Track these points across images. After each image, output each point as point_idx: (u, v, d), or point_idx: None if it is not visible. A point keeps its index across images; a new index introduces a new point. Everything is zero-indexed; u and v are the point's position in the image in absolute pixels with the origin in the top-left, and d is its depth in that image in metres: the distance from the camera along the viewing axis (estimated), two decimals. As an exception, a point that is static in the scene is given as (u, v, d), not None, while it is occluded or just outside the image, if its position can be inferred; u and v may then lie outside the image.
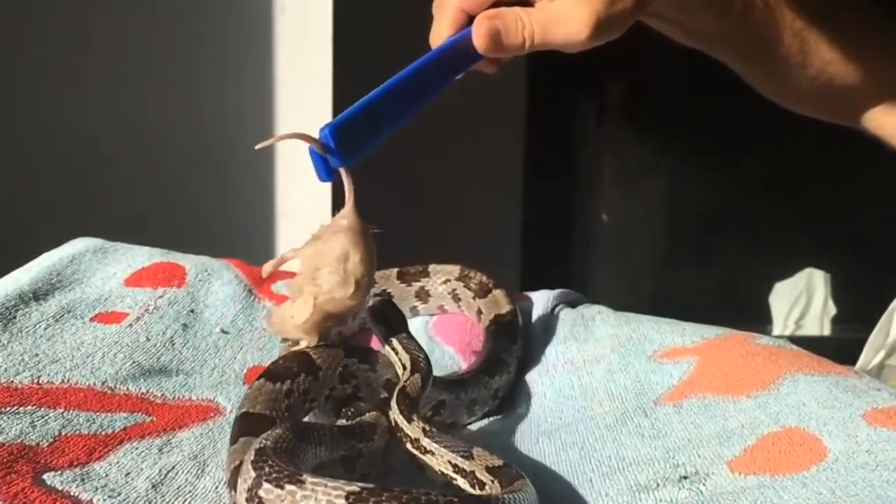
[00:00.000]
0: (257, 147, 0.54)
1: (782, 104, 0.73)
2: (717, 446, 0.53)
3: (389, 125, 0.55)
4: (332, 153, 0.52)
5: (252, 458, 0.43)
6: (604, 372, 0.68)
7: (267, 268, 0.57)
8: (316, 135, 0.53)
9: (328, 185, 1.42)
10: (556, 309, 0.78)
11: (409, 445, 0.53)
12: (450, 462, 0.52)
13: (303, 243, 0.56)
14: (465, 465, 0.51)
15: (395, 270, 0.81)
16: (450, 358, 0.76)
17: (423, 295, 0.81)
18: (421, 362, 0.58)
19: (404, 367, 0.59)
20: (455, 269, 0.81)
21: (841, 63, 0.68)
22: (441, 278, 0.81)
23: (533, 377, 0.71)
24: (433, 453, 0.52)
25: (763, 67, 0.70)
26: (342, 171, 0.53)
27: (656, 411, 0.59)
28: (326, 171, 0.53)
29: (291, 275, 0.85)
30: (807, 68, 0.68)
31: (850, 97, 0.71)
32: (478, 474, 0.50)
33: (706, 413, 0.57)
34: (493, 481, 0.50)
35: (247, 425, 0.54)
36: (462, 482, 0.51)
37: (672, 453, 0.53)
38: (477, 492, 0.50)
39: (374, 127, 0.54)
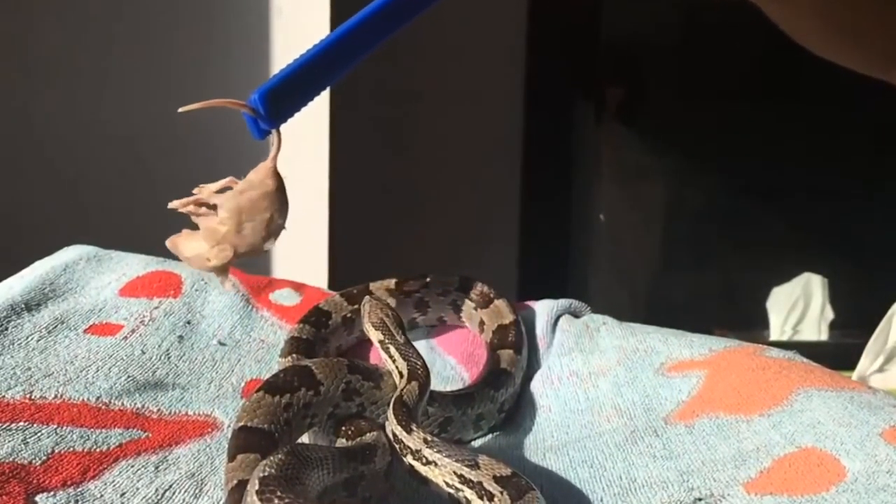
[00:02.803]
0: (180, 110, 0.55)
1: (810, 49, 0.71)
2: (732, 469, 0.51)
3: (321, 85, 0.57)
4: (261, 117, 0.55)
5: (257, 487, 0.42)
6: (610, 385, 0.66)
7: (175, 203, 0.58)
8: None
9: (325, 191, 1.41)
10: (560, 319, 0.77)
11: (409, 458, 0.52)
12: (455, 472, 0.50)
13: (220, 190, 0.59)
14: (472, 475, 0.49)
15: (392, 281, 0.79)
16: (451, 368, 0.74)
17: (422, 306, 0.79)
18: (419, 370, 0.57)
19: (401, 375, 0.57)
20: (455, 279, 0.79)
21: (871, 12, 0.65)
22: (440, 289, 0.79)
23: (537, 390, 0.69)
24: (436, 464, 0.50)
25: (790, 8, 0.68)
26: (272, 131, 0.56)
27: (667, 431, 0.58)
28: (259, 130, 0.56)
29: (290, 283, 0.83)
30: (834, 14, 0.66)
31: (880, 48, 0.68)
32: (486, 485, 0.49)
33: (719, 434, 0.55)
34: (502, 492, 0.48)
35: (244, 440, 0.52)
36: (469, 493, 0.49)
37: (686, 476, 0.52)
38: None
39: (304, 88, 0.56)
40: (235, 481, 0.49)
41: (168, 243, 0.58)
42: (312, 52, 0.55)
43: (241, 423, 0.53)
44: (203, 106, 0.55)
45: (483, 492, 0.49)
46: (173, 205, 0.58)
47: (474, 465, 0.50)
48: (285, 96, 0.55)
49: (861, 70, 0.71)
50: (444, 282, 0.79)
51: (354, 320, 0.75)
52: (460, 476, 0.50)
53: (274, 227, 0.56)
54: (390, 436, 0.53)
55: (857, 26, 0.66)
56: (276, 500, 0.40)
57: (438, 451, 0.50)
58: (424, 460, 0.51)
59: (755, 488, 0.49)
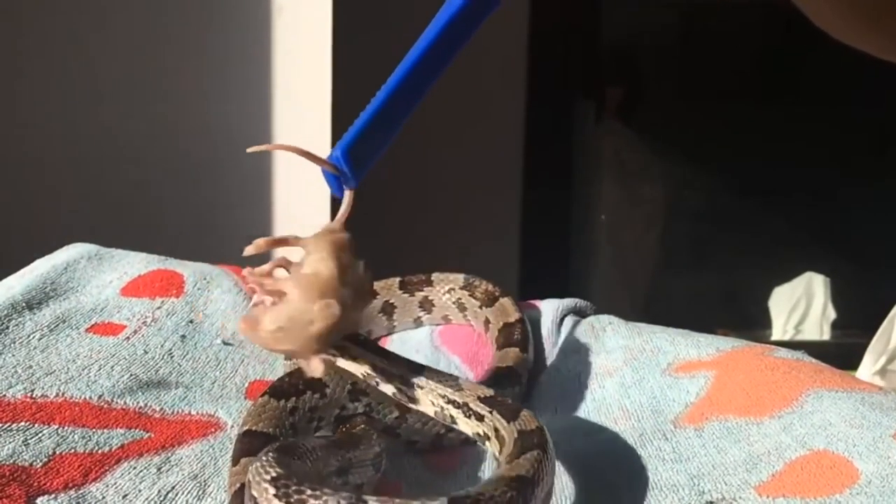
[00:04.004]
0: (249, 150, 0.52)
1: (829, 32, 0.69)
2: (743, 472, 0.51)
3: (397, 127, 0.53)
4: (345, 175, 0.50)
5: (273, 492, 0.41)
6: (617, 386, 0.66)
7: (253, 248, 0.48)
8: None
9: (327, 191, 1.40)
10: (565, 319, 0.76)
11: (396, 382, 0.51)
12: (440, 394, 0.50)
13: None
14: (457, 396, 0.50)
15: (397, 280, 0.78)
16: (456, 368, 0.74)
17: (426, 305, 0.78)
18: None
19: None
20: (459, 278, 0.78)
21: None
22: (445, 287, 0.78)
23: (543, 390, 0.69)
24: (421, 387, 0.51)
25: None
26: (348, 195, 0.51)
27: (676, 434, 0.57)
28: (340, 187, 0.51)
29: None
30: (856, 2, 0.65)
31: None
32: (472, 405, 0.50)
33: (729, 437, 0.55)
34: (491, 412, 0.49)
35: (249, 444, 0.52)
36: (456, 413, 0.50)
37: (696, 480, 0.51)
38: (473, 424, 0.49)
39: (381, 135, 0.52)
40: (238, 485, 0.49)
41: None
42: (382, 97, 0.51)
43: (246, 428, 0.53)
44: (277, 148, 0.51)
45: (470, 412, 0.50)
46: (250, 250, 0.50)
47: (458, 388, 0.50)
48: (364, 148, 0.50)
49: (881, 55, 0.70)
50: (449, 280, 0.78)
51: None
52: (445, 397, 0.50)
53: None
54: (370, 368, 0.51)
55: (880, 9, 0.65)
56: (308, 499, 0.40)
57: (420, 375, 0.51)
58: (409, 383, 0.51)
59: (767, 491, 0.48)
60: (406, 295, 0.78)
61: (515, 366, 0.67)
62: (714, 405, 0.58)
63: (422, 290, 0.78)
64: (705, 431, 0.56)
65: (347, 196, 0.51)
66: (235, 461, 0.50)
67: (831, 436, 0.51)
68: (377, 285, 0.77)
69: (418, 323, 0.78)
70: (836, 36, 0.68)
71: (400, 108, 0.52)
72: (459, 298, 0.77)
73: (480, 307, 0.76)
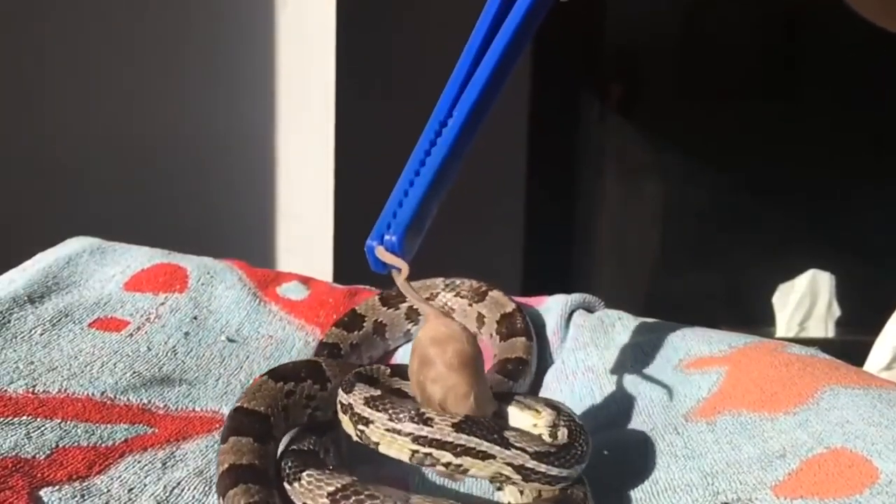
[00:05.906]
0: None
1: (865, 15, 0.68)
2: (758, 471, 0.49)
3: (442, 193, 0.50)
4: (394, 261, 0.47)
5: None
6: (627, 382, 0.65)
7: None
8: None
9: (330, 186, 1.39)
10: (574, 314, 0.75)
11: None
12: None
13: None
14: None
15: (376, 297, 0.75)
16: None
17: (412, 316, 0.75)
18: None
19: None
20: (438, 282, 0.77)
21: None
22: (425, 294, 0.76)
23: (551, 384, 0.68)
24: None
25: None
26: (400, 280, 0.47)
27: (688, 429, 0.56)
28: (382, 265, 0.48)
29: (297, 276, 0.82)
30: None
31: None
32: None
33: (743, 433, 0.53)
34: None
35: (239, 423, 0.51)
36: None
37: (710, 478, 0.50)
38: None
39: (429, 209, 0.49)
40: (227, 465, 0.48)
41: None
42: (436, 164, 0.49)
43: (238, 405, 0.52)
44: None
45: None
46: None
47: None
48: (416, 227, 0.48)
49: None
50: (427, 286, 0.76)
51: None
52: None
53: (431, 392, 0.46)
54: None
55: None
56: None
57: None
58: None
59: (784, 491, 0.47)
60: (390, 310, 0.75)
61: (524, 355, 0.67)
62: (726, 399, 0.57)
63: (405, 302, 0.75)
64: (717, 426, 0.55)
65: (406, 287, 0.47)
66: (224, 439, 0.49)
67: (849, 433, 0.50)
68: (359, 308, 0.75)
69: (409, 336, 0.76)
70: (870, 18, 0.66)
71: (452, 166, 0.50)
72: (445, 302, 0.76)
73: (470, 304, 0.75)
